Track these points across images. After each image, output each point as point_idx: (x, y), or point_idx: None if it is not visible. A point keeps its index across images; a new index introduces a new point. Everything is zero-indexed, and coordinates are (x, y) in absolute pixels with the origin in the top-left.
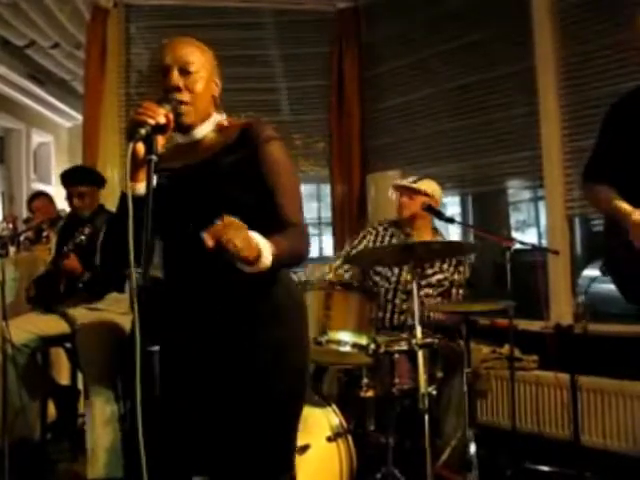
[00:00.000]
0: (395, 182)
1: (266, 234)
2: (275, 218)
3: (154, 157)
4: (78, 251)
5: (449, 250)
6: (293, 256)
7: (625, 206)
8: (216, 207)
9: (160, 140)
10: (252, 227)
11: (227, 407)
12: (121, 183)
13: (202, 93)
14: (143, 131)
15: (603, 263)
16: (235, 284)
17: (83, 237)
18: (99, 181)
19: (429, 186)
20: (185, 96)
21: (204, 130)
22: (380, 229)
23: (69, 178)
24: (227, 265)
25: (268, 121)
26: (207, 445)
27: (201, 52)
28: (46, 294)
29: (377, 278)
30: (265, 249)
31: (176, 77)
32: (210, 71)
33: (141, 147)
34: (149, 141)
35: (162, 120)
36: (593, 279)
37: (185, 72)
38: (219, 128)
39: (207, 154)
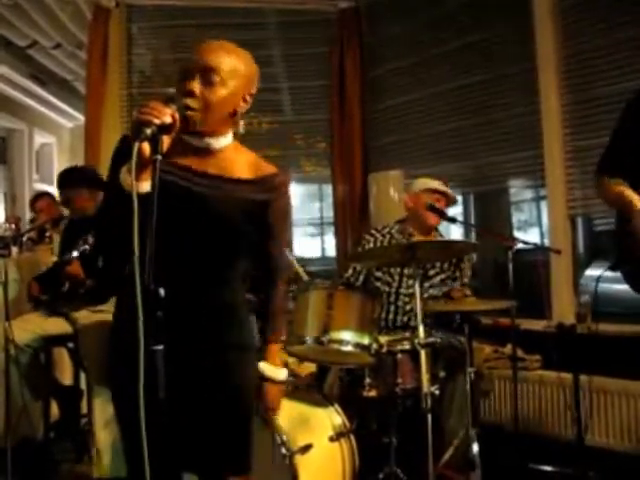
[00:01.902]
0: (431, 185)
1: (243, 258)
2: (262, 260)
3: (159, 157)
4: (82, 259)
5: (451, 249)
6: (284, 319)
7: (634, 195)
8: (215, 227)
9: (165, 140)
10: (240, 260)
11: (202, 404)
12: (123, 182)
13: (218, 105)
14: (149, 131)
15: (615, 259)
16: (207, 297)
17: (87, 247)
18: (93, 181)
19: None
20: (195, 103)
21: (220, 144)
22: (379, 236)
23: (63, 181)
24: (203, 277)
25: (275, 121)
26: (190, 441)
27: (235, 60)
28: (49, 292)
29: (378, 284)
30: (282, 376)
31: (196, 82)
32: (239, 84)
33: (146, 147)
34: (154, 141)
35: (168, 120)
36: (598, 279)
37: (207, 80)
38: (235, 149)
39: (223, 173)
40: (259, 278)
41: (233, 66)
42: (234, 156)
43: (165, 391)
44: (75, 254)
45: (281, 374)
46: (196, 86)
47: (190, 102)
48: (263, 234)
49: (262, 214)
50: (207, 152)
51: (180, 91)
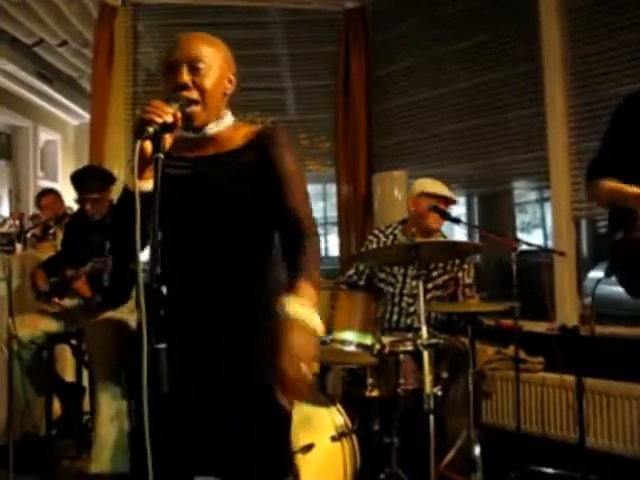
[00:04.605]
0: (430, 189)
1: (263, 230)
2: (285, 219)
3: (161, 156)
4: (89, 277)
5: (454, 250)
6: (319, 270)
7: (627, 187)
8: (224, 202)
9: (168, 139)
10: (251, 224)
11: (229, 403)
12: (128, 180)
13: (212, 90)
14: (151, 129)
15: (608, 264)
16: (230, 280)
17: (99, 266)
18: (111, 183)
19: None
20: (194, 94)
21: (216, 128)
22: (382, 236)
23: (81, 183)
24: (219, 261)
25: (279, 121)
26: (209, 444)
27: (212, 47)
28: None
29: (382, 285)
30: (316, 323)
31: (185, 74)
32: (222, 67)
33: (148, 145)
34: (156, 139)
35: (170, 119)
36: (599, 280)
37: (194, 68)
38: (234, 128)
39: (221, 150)
40: (288, 238)
41: (212, 51)
42: (232, 134)
43: (182, 388)
44: (88, 268)
45: (317, 320)
46: (187, 77)
47: (189, 94)
48: (277, 190)
49: (264, 169)
50: (207, 140)
51: (171, 87)
